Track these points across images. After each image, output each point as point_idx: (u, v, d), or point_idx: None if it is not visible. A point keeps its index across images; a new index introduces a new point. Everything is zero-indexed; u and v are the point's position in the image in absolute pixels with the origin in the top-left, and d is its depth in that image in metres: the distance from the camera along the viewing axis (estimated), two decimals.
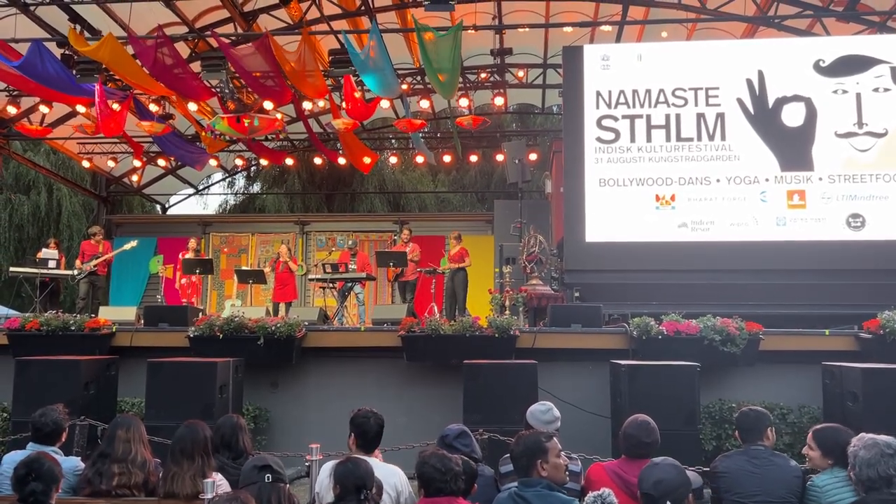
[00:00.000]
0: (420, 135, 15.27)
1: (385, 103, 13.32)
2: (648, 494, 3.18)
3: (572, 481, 3.85)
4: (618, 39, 13.11)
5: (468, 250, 11.95)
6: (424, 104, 14.01)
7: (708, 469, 4.13)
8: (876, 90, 9.58)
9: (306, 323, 8.09)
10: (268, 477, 3.22)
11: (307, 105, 13.48)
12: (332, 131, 14.71)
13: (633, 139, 9.79)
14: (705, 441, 6.69)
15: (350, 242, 13.23)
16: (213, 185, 22.22)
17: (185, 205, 21.53)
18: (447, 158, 16.95)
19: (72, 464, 4.21)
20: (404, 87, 13.03)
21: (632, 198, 9.65)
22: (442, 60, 10.28)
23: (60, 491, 3.93)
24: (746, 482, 3.88)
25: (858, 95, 9.59)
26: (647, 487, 3.19)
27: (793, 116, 9.66)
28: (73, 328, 7.85)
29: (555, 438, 3.50)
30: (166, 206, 20.67)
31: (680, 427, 5.88)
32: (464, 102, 13.38)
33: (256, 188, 26.05)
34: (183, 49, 11.90)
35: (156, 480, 4.01)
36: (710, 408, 6.98)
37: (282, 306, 11.86)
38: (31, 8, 11.06)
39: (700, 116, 9.78)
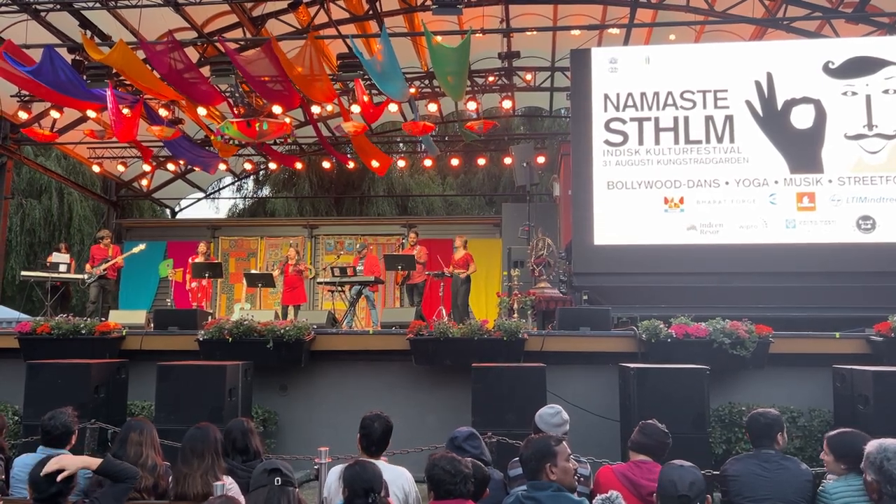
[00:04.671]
0: (430, 136, 15.27)
1: (393, 107, 13.37)
2: (685, 496, 3.14)
3: (581, 484, 3.84)
4: (625, 42, 13.10)
5: (472, 256, 11.94)
6: (432, 108, 14.03)
7: (718, 472, 4.12)
8: (886, 92, 9.53)
9: (315, 326, 8.10)
10: (277, 480, 3.22)
11: (316, 109, 13.53)
12: (341, 135, 14.76)
13: (641, 142, 9.78)
14: (715, 444, 6.65)
15: (358, 246, 13.25)
16: (222, 189, 22.34)
17: (194, 209, 21.70)
18: (455, 162, 16.98)
19: None
20: (412, 90, 13.05)
21: (640, 201, 9.63)
22: (451, 63, 10.30)
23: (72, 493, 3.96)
24: (757, 486, 3.86)
25: (868, 97, 9.55)
26: (684, 489, 3.15)
27: (802, 118, 9.63)
28: (83, 332, 7.89)
29: (564, 443, 3.48)
30: (176, 210, 20.78)
31: (689, 430, 5.86)
32: (471, 105, 13.39)
33: (265, 192, 26.15)
34: (192, 54, 11.97)
35: (165, 485, 4.02)
36: (720, 411, 6.94)
37: (291, 309, 11.88)
38: (42, 14, 11.16)
39: (708, 119, 9.75)
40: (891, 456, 3.34)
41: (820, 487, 3.78)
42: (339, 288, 11.30)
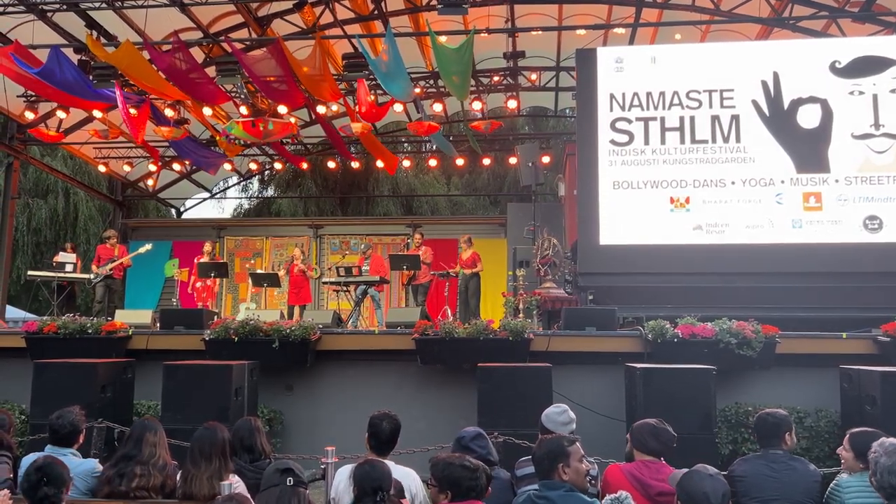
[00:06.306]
0: (441, 132, 15.28)
1: (398, 107, 13.37)
2: None
3: (590, 485, 3.84)
4: (631, 42, 13.09)
5: (479, 255, 11.95)
6: (437, 108, 14.02)
7: (725, 473, 4.11)
8: (893, 91, 9.48)
9: (320, 326, 8.10)
10: (289, 480, 3.23)
11: (321, 109, 13.54)
12: (346, 135, 14.77)
13: (647, 141, 9.76)
14: (721, 445, 6.63)
15: (362, 246, 13.25)
16: (227, 188, 22.37)
17: (199, 209, 21.72)
18: (460, 161, 16.98)
19: (89, 466, 4.24)
20: (417, 90, 13.05)
21: (646, 200, 9.61)
22: (455, 63, 10.31)
23: (77, 491, 3.97)
24: (764, 486, 3.86)
25: (875, 97, 9.51)
26: (717, 500, 3.05)
27: (808, 118, 9.59)
28: (89, 331, 7.91)
29: (577, 444, 3.47)
30: (181, 210, 20.82)
31: (696, 431, 5.85)
32: (477, 105, 13.38)
33: (270, 192, 26.17)
34: (197, 54, 11.98)
35: (173, 484, 4.03)
36: (727, 411, 6.92)
37: (296, 309, 11.90)
38: (49, 14, 11.20)
39: (715, 118, 9.73)
40: (876, 447, 3.41)
41: (834, 482, 3.80)
42: (345, 288, 11.31)
